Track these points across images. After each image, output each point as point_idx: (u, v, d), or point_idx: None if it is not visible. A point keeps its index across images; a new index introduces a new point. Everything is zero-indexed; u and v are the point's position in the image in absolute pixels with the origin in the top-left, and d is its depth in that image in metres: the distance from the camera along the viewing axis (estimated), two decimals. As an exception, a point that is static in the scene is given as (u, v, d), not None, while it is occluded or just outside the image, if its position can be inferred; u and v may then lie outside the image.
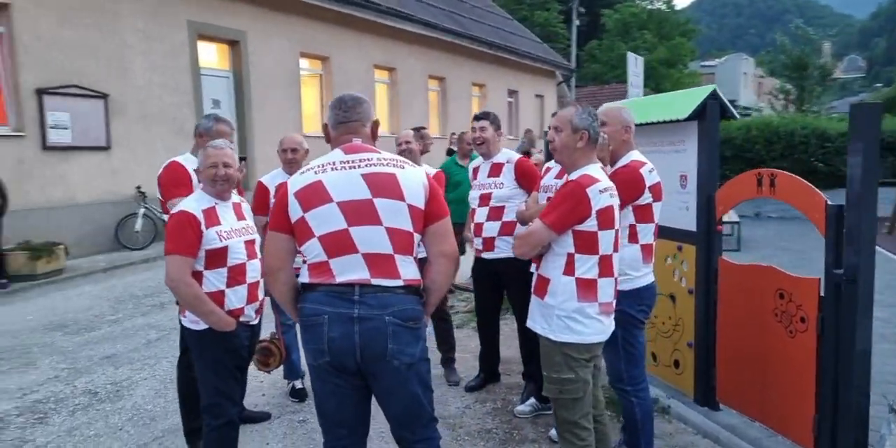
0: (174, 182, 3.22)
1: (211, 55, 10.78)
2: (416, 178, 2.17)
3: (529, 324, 2.61)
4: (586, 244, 2.42)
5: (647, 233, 2.84)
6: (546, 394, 2.60)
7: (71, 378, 4.43)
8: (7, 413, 3.87)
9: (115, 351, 5.00)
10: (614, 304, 2.56)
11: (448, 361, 4.27)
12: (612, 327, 2.56)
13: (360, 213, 2.09)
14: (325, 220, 2.09)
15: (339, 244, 2.08)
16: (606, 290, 2.48)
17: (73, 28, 8.36)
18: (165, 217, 2.97)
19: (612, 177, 2.77)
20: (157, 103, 9.49)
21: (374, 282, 2.07)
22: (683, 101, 3.39)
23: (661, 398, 3.69)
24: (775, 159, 13.05)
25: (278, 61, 11.71)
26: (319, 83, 13.15)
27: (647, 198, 2.80)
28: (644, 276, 2.87)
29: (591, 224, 2.39)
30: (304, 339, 2.15)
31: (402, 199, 2.12)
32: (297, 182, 2.18)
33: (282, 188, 2.20)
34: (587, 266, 2.43)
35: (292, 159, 3.81)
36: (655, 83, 36.11)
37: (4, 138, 7.81)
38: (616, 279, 2.54)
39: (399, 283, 2.10)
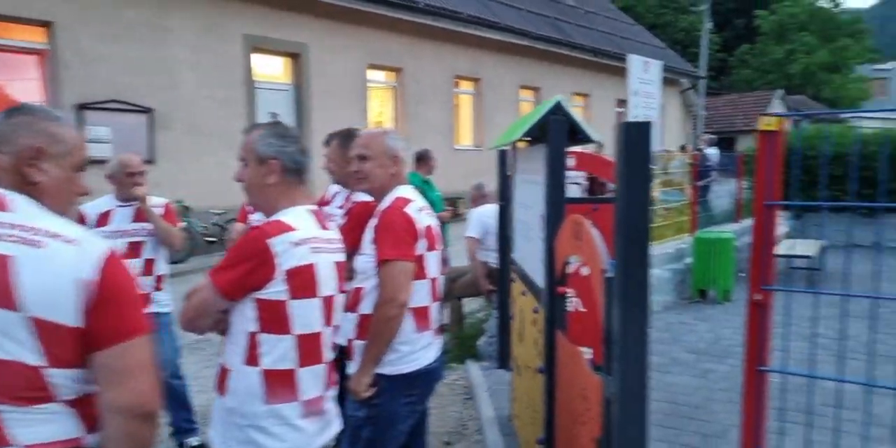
0: None
1: (269, 68, 10.86)
2: (64, 268, 1.23)
3: (210, 433, 1.85)
4: (273, 319, 1.71)
5: (419, 292, 2.11)
6: None
7: None
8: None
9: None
10: (327, 399, 1.84)
11: None
12: (326, 435, 1.84)
13: None
14: None
15: None
16: (313, 383, 1.77)
17: (118, 44, 8.65)
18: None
19: (378, 225, 2.10)
20: (206, 117, 9.67)
21: None
22: (528, 120, 2.54)
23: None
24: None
25: (344, 74, 11.60)
26: (394, 95, 12.92)
27: (420, 247, 2.09)
28: (419, 351, 2.13)
29: (276, 290, 1.69)
30: None
31: (12, 307, 1.20)
32: None
33: None
34: (278, 352, 1.72)
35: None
36: (815, 89, 32.44)
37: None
38: (328, 365, 1.82)
39: None
